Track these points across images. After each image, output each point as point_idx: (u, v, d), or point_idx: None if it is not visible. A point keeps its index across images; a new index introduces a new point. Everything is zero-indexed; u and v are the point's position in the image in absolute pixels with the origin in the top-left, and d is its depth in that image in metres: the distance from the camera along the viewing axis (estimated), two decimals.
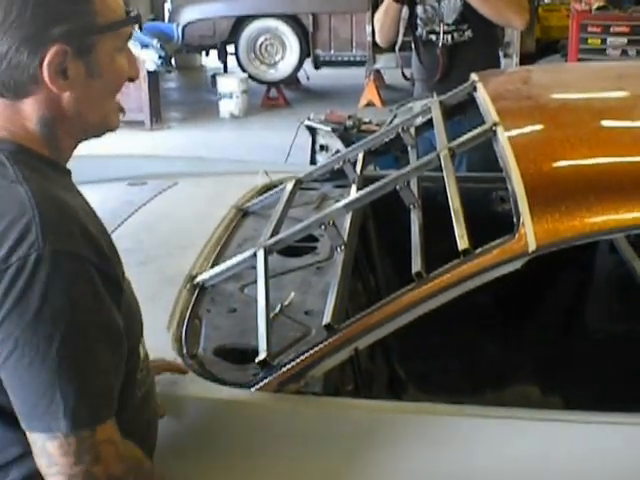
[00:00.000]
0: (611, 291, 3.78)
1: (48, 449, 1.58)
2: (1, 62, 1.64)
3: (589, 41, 10.94)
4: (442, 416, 2.27)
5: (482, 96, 3.15)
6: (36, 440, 1.59)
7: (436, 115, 3.33)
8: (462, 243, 2.27)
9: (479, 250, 2.25)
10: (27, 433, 1.60)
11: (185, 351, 2.43)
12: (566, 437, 2.21)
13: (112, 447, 1.63)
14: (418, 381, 3.47)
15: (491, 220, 2.93)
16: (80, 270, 1.58)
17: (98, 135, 1.84)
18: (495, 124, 2.72)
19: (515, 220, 2.23)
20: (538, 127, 2.82)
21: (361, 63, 12.08)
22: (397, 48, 4.83)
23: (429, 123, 3.47)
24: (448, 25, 4.58)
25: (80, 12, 1.64)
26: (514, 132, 2.67)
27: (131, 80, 1.84)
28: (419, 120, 3.63)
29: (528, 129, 2.79)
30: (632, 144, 2.55)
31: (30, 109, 1.70)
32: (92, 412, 1.59)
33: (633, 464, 2.16)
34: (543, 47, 12.65)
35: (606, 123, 2.78)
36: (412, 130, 3.57)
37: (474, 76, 3.48)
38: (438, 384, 3.41)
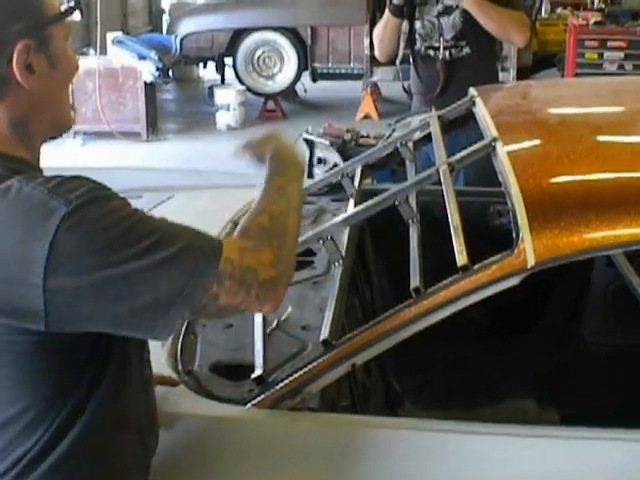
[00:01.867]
0: (608, 305, 3.77)
1: (219, 301, 1.64)
2: None
3: (586, 55, 10.98)
4: (439, 432, 2.26)
5: (481, 111, 3.14)
6: (201, 292, 1.60)
7: (435, 130, 3.32)
8: (461, 259, 2.26)
9: (478, 266, 2.24)
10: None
11: (180, 367, 2.42)
12: (563, 454, 2.20)
13: (248, 253, 1.69)
14: (414, 396, 3.46)
15: (488, 234, 2.92)
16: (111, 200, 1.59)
17: (59, 133, 1.82)
18: (494, 139, 2.71)
19: (514, 236, 2.22)
20: (537, 142, 2.81)
21: (358, 76, 12.10)
22: (397, 62, 4.84)
23: (427, 138, 3.46)
24: (447, 41, 4.59)
25: (32, 7, 1.66)
26: (513, 147, 2.67)
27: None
28: (417, 134, 3.63)
29: (527, 144, 2.79)
30: (631, 160, 2.55)
31: (1, 113, 1.68)
32: (209, 246, 1.64)
33: None
34: (540, 61, 12.68)
35: (605, 139, 2.79)
36: (410, 144, 3.56)
37: (473, 91, 3.48)
38: (434, 399, 3.40)
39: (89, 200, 1.53)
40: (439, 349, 3.28)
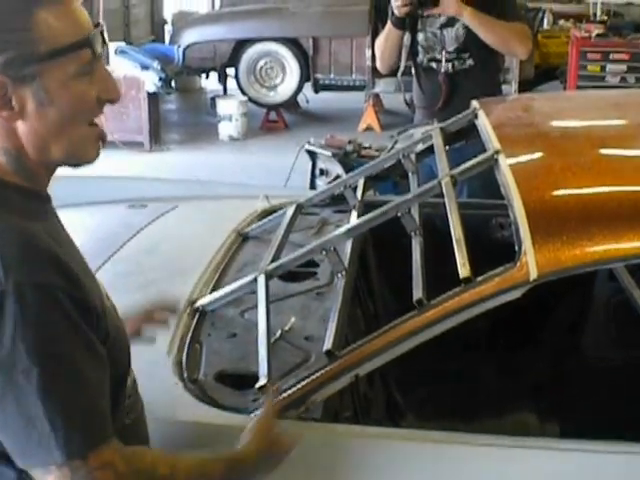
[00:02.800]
0: (609, 319, 3.78)
1: None
2: None
3: (588, 68, 10.98)
4: (439, 444, 2.27)
5: (483, 123, 3.16)
6: (36, 476, 1.58)
7: (437, 142, 3.34)
8: (464, 271, 2.28)
9: (480, 278, 2.26)
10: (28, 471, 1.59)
11: (186, 376, 2.43)
12: (564, 466, 2.21)
13: (109, 471, 1.59)
14: (416, 407, 3.47)
15: (490, 247, 2.94)
16: (48, 299, 1.54)
17: (73, 166, 1.75)
18: (497, 152, 2.73)
19: (517, 248, 2.24)
20: (540, 155, 2.83)
21: (360, 87, 12.11)
22: (399, 73, 4.85)
23: (430, 150, 3.48)
24: (449, 53, 4.59)
25: (17, 41, 1.57)
26: (516, 160, 2.68)
27: (111, 102, 1.73)
28: (420, 147, 3.64)
29: (530, 157, 2.81)
30: (633, 173, 2.57)
31: None
32: (84, 439, 1.57)
33: None
34: (542, 73, 12.70)
35: (607, 152, 2.80)
36: (413, 157, 3.58)
37: (475, 103, 3.49)
38: (435, 411, 3.41)
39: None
40: (441, 361, 3.29)
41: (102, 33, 1.69)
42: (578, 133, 3.13)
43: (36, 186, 1.71)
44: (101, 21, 1.74)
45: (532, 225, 2.24)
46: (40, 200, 1.73)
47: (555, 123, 3.35)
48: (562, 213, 2.33)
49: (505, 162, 2.63)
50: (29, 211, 1.66)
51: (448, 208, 2.59)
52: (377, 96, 12.21)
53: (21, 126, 1.62)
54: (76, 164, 1.74)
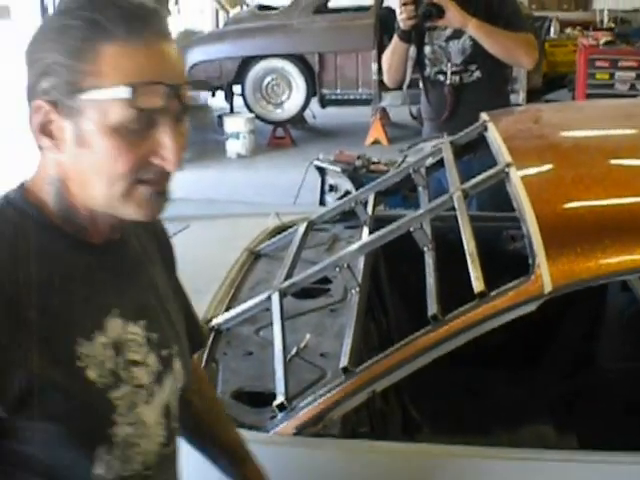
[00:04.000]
0: (623, 329, 3.78)
1: None
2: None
3: (597, 76, 10.96)
4: (457, 458, 2.27)
5: (493, 136, 3.16)
6: None
7: (447, 156, 3.34)
8: (478, 285, 2.28)
9: (495, 292, 2.26)
10: None
11: None
12: (582, 478, 2.21)
13: None
14: (432, 422, 3.47)
15: (501, 260, 2.94)
16: None
17: (128, 217, 1.51)
18: (508, 165, 2.73)
19: (530, 261, 2.24)
20: (551, 167, 2.84)
21: (367, 101, 12.13)
22: (405, 86, 4.85)
23: (440, 163, 3.48)
24: (456, 65, 4.60)
25: (73, 67, 1.39)
26: (527, 172, 2.69)
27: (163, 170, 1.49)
28: (430, 160, 3.65)
29: (541, 169, 2.81)
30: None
31: (43, 161, 1.50)
32: None
33: None
34: (550, 82, 12.70)
35: (619, 163, 2.81)
36: (423, 170, 3.59)
37: (484, 116, 3.50)
38: (452, 424, 3.41)
39: None
40: (456, 374, 3.30)
41: (179, 93, 1.45)
42: (589, 144, 3.13)
43: (73, 228, 1.51)
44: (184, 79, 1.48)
45: (545, 238, 2.24)
46: (73, 244, 1.52)
47: (566, 134, 3.35)
48: (575, 225, 2.33)
49: (516, 175, 2.63)
50: (44, 252, 1.48)
51: (460, 222, 2.59)
52: (384, 110, 12.22)
53: (64, 160, 1.46)
54: (130, 217, 1.52)
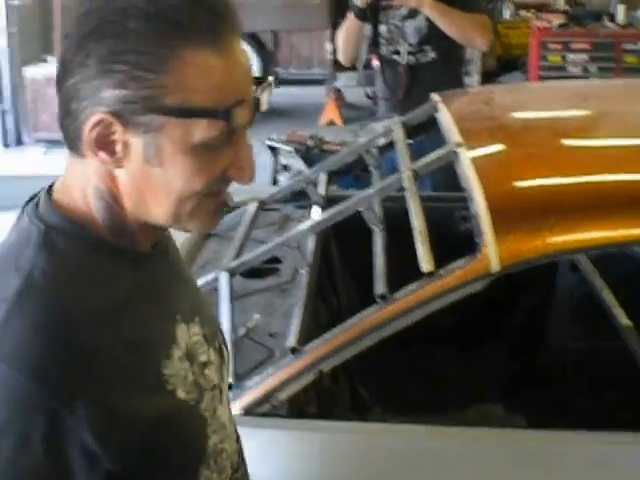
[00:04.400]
0: (572, 309, 3.80)
1: None
2: (59, 99, 1.32)
3: (550, 58, 10.98)
4: (406, 437, 2.28)
5: (444, 117, 3.16)
6: None
7: (398, 136, 3.34)
8: (426, 264, 2.28)
9: (442, 271, 2.27)
10: None
11: None
12: (529, 455, 2.23)
13: None
14: (381, 401, 3.47)
15: (454, 240, 2.94)
16: (16, 402, 1.24)
17: (188, 230, 1.43)
18: (458, 145, 2.73)
19: (478, 241, 2.25)
20: (500, 147, 2.83)
21: (322, 81, 12.11)
22: (360, 66, 4.83)
23: (392, 144, 3.48)
24: (412, 45, 4.59)
25: (152, 81, 1.24)
26: (476, 153, 2.69)
27: (237, 183, 1.38)
28: (382, 141, 3.64)
29: (490, 149, 2.81)
30: (593, 164, 2.58)
31: (87, 173, 1.34)
32: None
33: None
34: (504, 64, 12.72)
35: (568, 143, 2.82)
36: (375, 151, 3.58)
37: (435, 97, 3.49)
38: (401, 404, 3.42)
39: None
40: (406, 354, 3.30)
41: (256, 104, 1.35)
42: (539, 125, 3.14)
43: (125, 242, 1.39)
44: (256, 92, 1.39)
45: (493, 217, 2.25)
46: (128, 259, 1.41)
47: (516, 115, 3.36)
48: (523, 204, 2.34)
49: (466, 155, 2.63)
50: (104, 274, 1.37)
51: (409, 202, 2.59)
52: (339, 90, 12.20)
53: (120, 173, 1.32)
54: (187, 230, 1.44)
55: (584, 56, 10.87)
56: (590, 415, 2.41)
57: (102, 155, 1.28)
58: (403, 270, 2.36)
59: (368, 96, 5.24)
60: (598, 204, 2.32)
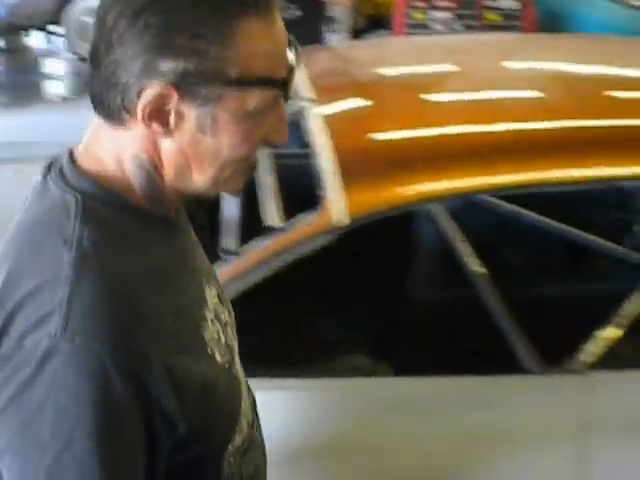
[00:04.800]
0: (430, 260, 3.87)
1: None
2: (102, 71, 1.32)
3: (414, 16, 11.01)
4: (274, 390, 2.36)
5: (300, 72, 3.16)
6: None
7: None
8: (271, 219, 2.29)
9: (288, 225, 2.28)
10: None
11: None
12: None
13: None
14: (250, 354, 3.48)
15: (305, 195, 2.97)
16: (99, 375, 1.24)
17: (210, 195, 1.47)
18: (308, 100, 2.74)
19: (325, 195, 2.27)
20: (350, 102, 2.86)
21: None
22: None
23: None
24: (279, 2, 4.55)
25: (204, 52, 1.27)
26: (326, 107, 2.71)
27: (273, 145, 1.46)
28: None
29: (340, 104, 2.83)
30: (441, 117, 2.63)
31: (126, 142, 1.36)
32: None
33: None
34: (374, 23, 12.72)
35: (418, 97, 2.85)
36: None
37: None
38: (267, 357, 3.44)
39: None
40: (271, 309, 3.32)
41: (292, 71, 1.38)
42: (392, 80, 3.17)
43: (161, 210, 1.43)
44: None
45: (341, 170, 2.27)
46: (163, 226, 1.44)
47: (371, 70, 3.37)
48: (371, 158, 2.38)
49: (316, 110, 2.65)
50: (139, 239, 1.39)
51: (261, 158, 2.60)
52: None
53: (167, 143, 1.35)
54: (215, 194, 1.49)
55: (448, 14, 10.94)
56: (446, 361, 2.48)
57: (154, 125, 1.31)
58: (255, 226, 2.38)
59: None
60: (445, 155, 2.37)
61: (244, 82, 1.30)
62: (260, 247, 2.29)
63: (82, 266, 1.28)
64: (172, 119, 1.31)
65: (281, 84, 1.33)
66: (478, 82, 3.00)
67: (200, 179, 1.38)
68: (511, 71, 3.21)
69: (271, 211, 2.34)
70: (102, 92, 1.33)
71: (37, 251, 1.33)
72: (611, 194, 3.92)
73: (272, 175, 2.51)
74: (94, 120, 1.39)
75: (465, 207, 3.20)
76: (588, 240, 2.90)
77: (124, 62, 1.29)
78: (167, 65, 1.27)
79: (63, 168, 1.39)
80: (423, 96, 2.87)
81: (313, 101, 2.73)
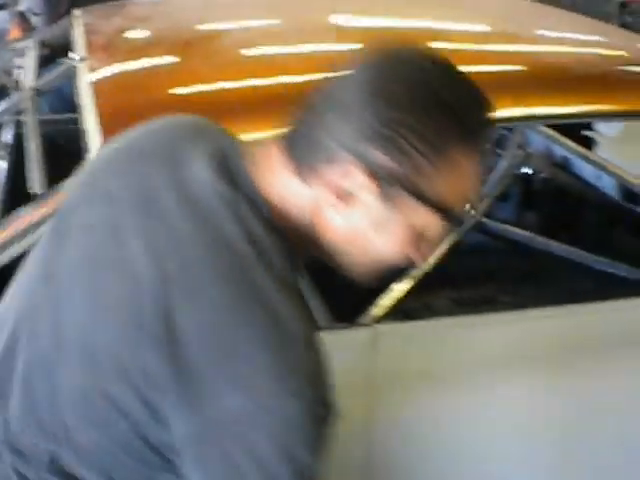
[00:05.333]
0: None
1: None
2: (311, 123, 1.38)
3: None
4: None
5: (77, 32, 3.03)
6: None
7: (31, 55, 3.18)
8: (35, 186, 2.19)
9: (49, 193, 2.18)
10: None
11: None
12: None
13: None
14: None
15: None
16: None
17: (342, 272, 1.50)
18: (79, 59, 2.63)
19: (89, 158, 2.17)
20: (124, 62, 2.72)
21: (2, 6, 11.56)
22: None
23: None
24: None
25: (417, 163, 1.33)
26: (97, 68, 2.59)
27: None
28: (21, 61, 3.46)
29: (113, 64, 2.70)
30: (214, 73, 2.53)
31: (299, 192, 1.40)
32: None
33: None
34: None
35: (193, 52, 2.74)
36: (15, 70, 3.40)
37: (76, 12, 3.35)
38: None
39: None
40: None
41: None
42: (170, 38, 3.01)
43: (294, 259, 1.44)
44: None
45: (104, 132, 2.17)
46: (297, 269, 1.48)
47: (150, 29, 3.22)
48: (137, 115, 2.27)
49: (86, 70, 2.53)
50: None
51: (27, 123, 2.48)
52: (22, 14, 11.70)
53: (331, 214, 1.39)
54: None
55: None
56: None
57: (332, 197, 1.36)
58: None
59: (34, 13, 5.03)
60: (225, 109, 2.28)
61: (429, 202, 1.35)
62: (20, 217, 2.18)
63: (282, 287, 1.34)
64: (351, 200, 1.36)
65: (454, 216, 1.39)
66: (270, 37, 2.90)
67: (341, 257, 1.43)
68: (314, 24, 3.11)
69: (34, 178, 2.23)
70: (300, 140, 1.39)
71: None
72: None
73: (37, 140, 2.38)
74: (275, 152, 1.43)
75: None
76: None
77: (337, 129, 1.34)
78: (376, 154, 1.32)
79: (237, 168, 1.43)
80: (198, 51, 2.75)
81: (83, 59, 2.60)
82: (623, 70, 2.76)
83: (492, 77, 2.48)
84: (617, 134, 3.39)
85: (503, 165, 2.58)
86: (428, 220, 1.38)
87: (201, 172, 1.42)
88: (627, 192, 3.12)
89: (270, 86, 2.39)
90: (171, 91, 2.42)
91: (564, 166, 3.40)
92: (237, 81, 2.44)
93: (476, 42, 2.86)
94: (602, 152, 3.30)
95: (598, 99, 2.59)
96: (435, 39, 2.69)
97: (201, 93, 2.40)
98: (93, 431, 1.36)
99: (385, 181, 1.33)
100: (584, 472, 2.51)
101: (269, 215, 1.39)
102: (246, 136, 2.10)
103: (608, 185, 3.25)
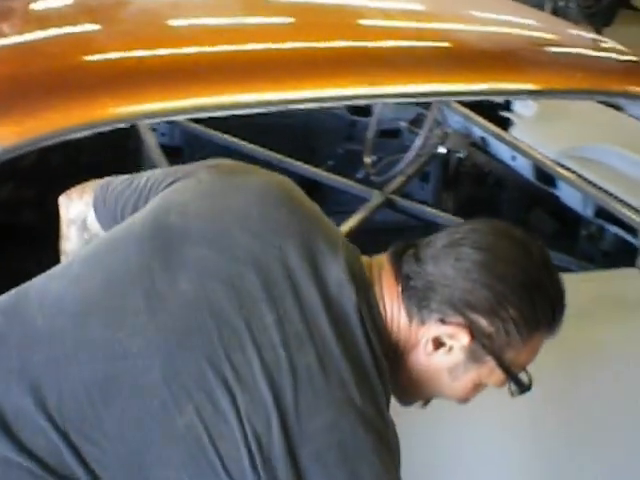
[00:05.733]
0: None
1: None
2: (432, 274, 1.55)
3: None
4: None
5: None
6: None
7: None
8: None
9: None
10: None
11: None
12: None
13: None
14: None
15: None
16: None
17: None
18: None
19: None
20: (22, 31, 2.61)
21: None
22: None
23: None
24: None
25: (510, 337, 1.54)
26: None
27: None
28: None
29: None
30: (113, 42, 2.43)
31: (403, 330, 1.57)
32: None
33: None
34: None
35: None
36: None
37: None
38: None
39: None
40: None
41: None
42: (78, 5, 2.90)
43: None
44: None
45: None
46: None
47: None
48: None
49: None
50: None
51: None
52: None
53: (421, 354, 1.59)
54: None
55: None
56: None
57: (431, 344, 1.55)
58: None
59: None
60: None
61: (506, 368, 1.56)
62: None
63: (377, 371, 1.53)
64: (442, 348, 1.55)
65: (515, 379, 1.60)
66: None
67: (403, 382, 1.61)
68: None
69: None
70: (419, 287, 1.55)
71: None
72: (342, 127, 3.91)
73: None
74: (390, 278, 1.58)
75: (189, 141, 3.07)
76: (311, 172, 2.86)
77: (453, 285, 1.53)
78: (482, 320, 1.52)
79: (359, 271, 1.59)
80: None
81: None
82: (538, 50, 2.75)
83: (406, 52, 2.45)
84: (533, 114, 3.38)
85: (418, 144, 2.54)
86: (497, 377, 1.59)
87: (338, 275, 1.53)
88: (541, 172, 3.11)
89: (169, 56, 2.31)
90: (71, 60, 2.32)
91: (481, 146, 3.38)
92: (134, 51, 2.35)
93: (392, 18, 2.81)
94: (519, 132, 3.29)
95: (511, 77, 2.57)
96: (352, 15, 2.66)
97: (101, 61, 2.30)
98: None
99: (479, 342, 1.53)
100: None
101: (383, 332, 1.56)
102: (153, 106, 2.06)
103: (523, 165, 3.24)
